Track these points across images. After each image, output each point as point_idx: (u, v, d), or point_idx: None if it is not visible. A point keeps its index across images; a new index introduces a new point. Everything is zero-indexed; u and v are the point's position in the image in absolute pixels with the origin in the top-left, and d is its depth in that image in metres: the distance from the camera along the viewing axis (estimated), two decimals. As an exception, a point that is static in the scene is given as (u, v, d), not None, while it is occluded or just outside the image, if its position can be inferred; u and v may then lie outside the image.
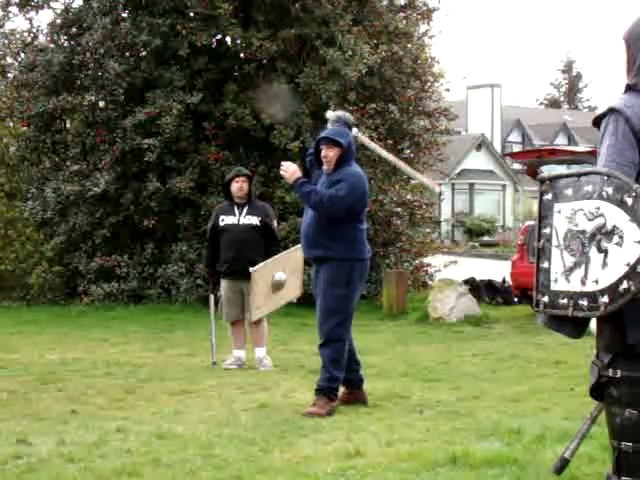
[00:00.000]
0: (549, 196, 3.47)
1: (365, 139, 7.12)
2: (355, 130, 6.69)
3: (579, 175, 3.38)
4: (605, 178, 3.25)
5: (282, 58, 14.86)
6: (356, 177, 6.40)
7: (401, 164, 7.52)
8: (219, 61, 15.30)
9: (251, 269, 8.24)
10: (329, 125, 6.56)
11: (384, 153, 7.29)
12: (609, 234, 3.23)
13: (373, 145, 7.19)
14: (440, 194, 7.92)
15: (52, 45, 15.82)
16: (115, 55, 15.17)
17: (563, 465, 3.65)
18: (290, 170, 6.43)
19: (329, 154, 6.36)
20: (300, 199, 6.39)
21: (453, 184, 41.68)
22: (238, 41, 15.01)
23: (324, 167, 6.43)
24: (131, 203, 14.94)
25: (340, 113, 6.64)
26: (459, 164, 42.16)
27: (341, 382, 6.47)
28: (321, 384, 6.39)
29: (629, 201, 3.18)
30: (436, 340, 11.04)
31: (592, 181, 3.31)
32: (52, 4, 16.15)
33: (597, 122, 3.50)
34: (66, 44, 15.83)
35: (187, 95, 14.50)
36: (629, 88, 3.49)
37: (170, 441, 5.34)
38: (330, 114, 6.61)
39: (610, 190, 3.23)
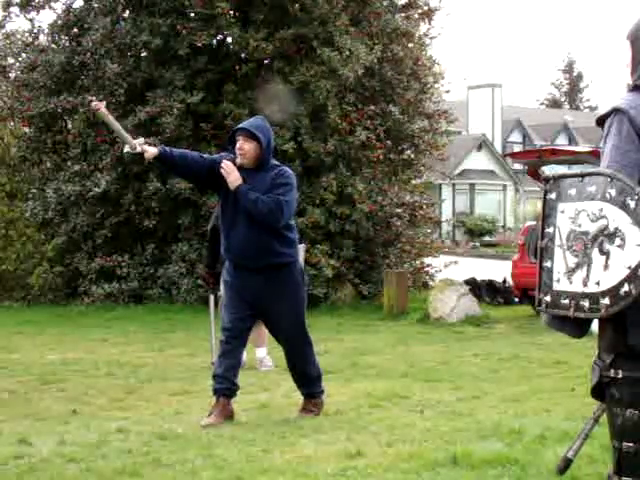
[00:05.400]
0: (553, 195, 3.45)
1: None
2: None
3: (583, 175, 3.36)
4: (609, 180, 3.24)
5: (280, 58, 14.85)
6: (293, 179, 6.10)
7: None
8: (219, 61, 15.30)
9: None
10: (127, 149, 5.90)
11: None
12: (611, 236, 3.21)
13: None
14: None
15: (53, 45, 15.87)
16: (115, 55, 15.18)
17: (566, 465, 3.64)
18: (233, 174, 5.88)
19: (244, 147, 5.89)
20: (245, 205, 5.84)
21: (454, 184, 41.68)
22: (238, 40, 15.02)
23: (237, 160, 5.93)
24: (132, 203, 14.94)
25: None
26: (460, 164, 42.18)
27: (322, 378, 6.36)
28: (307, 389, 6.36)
29: (631, 204, 3.16)
30: (437, 340, 11.03)
31: (596, 182, 3.29)
32: (53, 5, 16.21)
33: (601, 122, 3.48)
34: (67, 44, 15.87)
35: (187, 95, 14.50)
36: (633, 88, 3.47)
37: (171, 441, 5.33)
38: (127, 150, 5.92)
39: (613, 192, 3.22)
